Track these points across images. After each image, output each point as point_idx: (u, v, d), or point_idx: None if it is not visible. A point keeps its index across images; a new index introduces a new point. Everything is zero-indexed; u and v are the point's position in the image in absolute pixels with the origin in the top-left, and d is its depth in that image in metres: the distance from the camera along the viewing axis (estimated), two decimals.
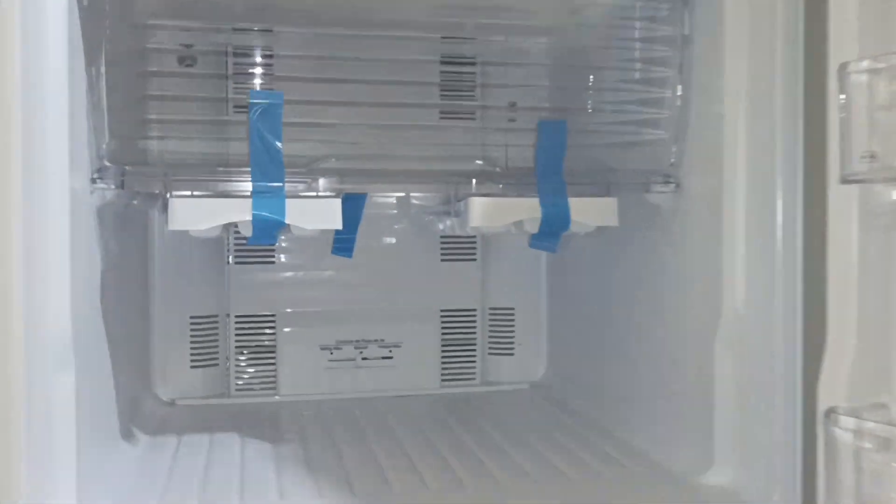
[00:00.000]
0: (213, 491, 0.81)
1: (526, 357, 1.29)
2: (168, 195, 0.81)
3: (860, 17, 0.64)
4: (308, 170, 0.83)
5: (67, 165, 0.69)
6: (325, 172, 0.83)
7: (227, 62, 1.07)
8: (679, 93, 0.87)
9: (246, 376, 1.20)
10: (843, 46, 0.64)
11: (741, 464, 0.79)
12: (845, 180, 0.63)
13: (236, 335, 1.20)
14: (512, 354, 1.28)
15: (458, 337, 1.27)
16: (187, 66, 1.07)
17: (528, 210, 0.85)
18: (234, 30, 1.04)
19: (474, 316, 1.27)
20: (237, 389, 1.20)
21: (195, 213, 0.79)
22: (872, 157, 0.62)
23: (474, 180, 0.85)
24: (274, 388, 1.20)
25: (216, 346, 1.19)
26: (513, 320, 1.28)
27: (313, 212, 0.82)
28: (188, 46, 1.06)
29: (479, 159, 0.94)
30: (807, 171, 0.75)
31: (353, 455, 0.92)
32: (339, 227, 0.82)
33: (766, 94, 0.77)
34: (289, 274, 1.21)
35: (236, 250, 1.19)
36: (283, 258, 1.21)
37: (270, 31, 1.05)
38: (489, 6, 0.96)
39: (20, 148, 0.63)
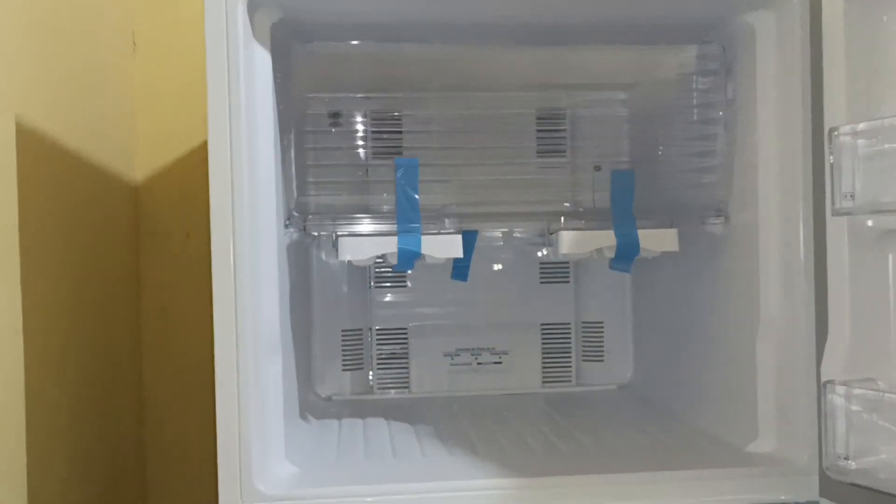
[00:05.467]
0: (373, 451, 1.09)
1: (614, 363, 1.50)
2: (335, 235, 1.10)
3: (846, 92, 0.87)
4: (436, 214, 1.11)
5: (275, 216, 0.99)
6: (449, 216, 1.11)
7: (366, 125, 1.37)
8: (725, 146, 1.11)
9: (385, 378, 1.48)
10: (834, 114, 0.87)
11: (778, 433, 1.01)
12: (836, 213, 0.86)
13: (377, 345, 1.47)
14: (602, 361, 1.50)
15: (555, 346, 1.49)
16: (334, 124, 1.37)
17: (605, 240, 1.11)
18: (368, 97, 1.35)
19: (569, 329, 1.50)
20: (378, 388, 1.47)
21: (357, 247, 1.08)
22: (853, 196, 0.85)
23: (563, 218, 1.12)
24: (407, 388, 1.46)
25: (361, 354, 1.46)
26: (602, 332, 1.50)
27: (441, 245, 1.09)
28: (335, 115, 1.36)
29: (567, 202, 1.21)
30: (816, 206, 0.96)
31: (475, 432, 1.17)
32: (460, 255, 1.09)
33: (788, 149, 0.99)
34: (417, 295, 1.48)
35: (376, 277, 1.47)
36: (412, 283, 1.48)
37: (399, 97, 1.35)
38: (576, 66, 1.23)
39: (248, 205, 0.93)
